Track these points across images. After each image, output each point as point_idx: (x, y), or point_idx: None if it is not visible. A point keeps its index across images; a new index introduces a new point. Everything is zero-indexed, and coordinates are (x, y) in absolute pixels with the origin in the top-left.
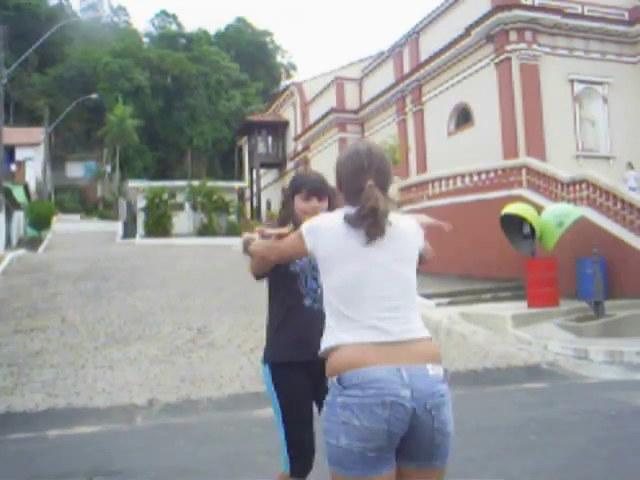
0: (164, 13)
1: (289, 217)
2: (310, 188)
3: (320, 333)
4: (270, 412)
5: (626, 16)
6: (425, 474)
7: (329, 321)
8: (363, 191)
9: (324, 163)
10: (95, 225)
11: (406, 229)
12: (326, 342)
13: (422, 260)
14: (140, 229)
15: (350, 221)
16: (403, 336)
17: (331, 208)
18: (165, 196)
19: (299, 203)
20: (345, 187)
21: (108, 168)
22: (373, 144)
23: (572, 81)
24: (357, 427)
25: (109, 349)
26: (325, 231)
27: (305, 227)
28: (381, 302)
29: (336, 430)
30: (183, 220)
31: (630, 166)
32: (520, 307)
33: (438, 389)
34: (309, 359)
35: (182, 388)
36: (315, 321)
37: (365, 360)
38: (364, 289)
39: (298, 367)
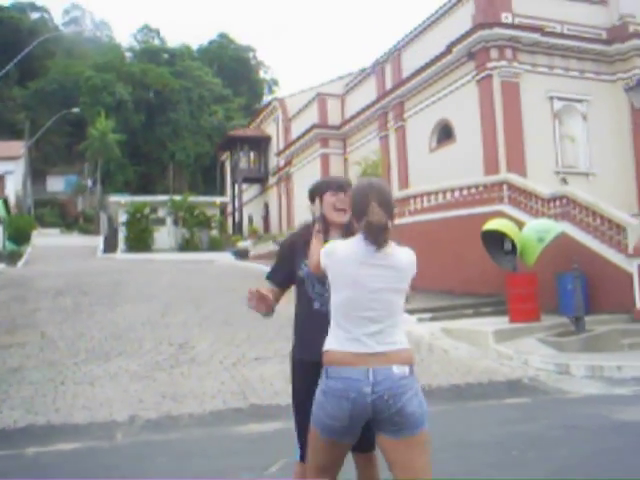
0: (147, 28)
1: (321, 221)
2: (337, 185)
3: (326, 335)
4: (252, 428)
5: (604, 35)
6: (396, 442)
7: (332, 325)
8: (369, 212)
9: (306, 178)
10: (75, 240)
11: (401, 261)
12: (327, 343)
13: None
14: (121, 244)
15: (364, 237)
16: (380, 348)
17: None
18: (146, 211)
19: (329, 198)
20: (355, 211)
21: (89, 182)
22: (373, 178)
23: (552, 98)
24: (328, 410)
25: (89, 365)
26: (335, 257)
27: (324, 250)
28: (369, 321)
29: (318, 405)
30: (164, 235)
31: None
32: (501, 322)
33: (398, 383)
34: (314, 359)
35: (163, 404)
36: (323, 323)
37: (344, 361)
38: (357, 310)
39: (308, 365)
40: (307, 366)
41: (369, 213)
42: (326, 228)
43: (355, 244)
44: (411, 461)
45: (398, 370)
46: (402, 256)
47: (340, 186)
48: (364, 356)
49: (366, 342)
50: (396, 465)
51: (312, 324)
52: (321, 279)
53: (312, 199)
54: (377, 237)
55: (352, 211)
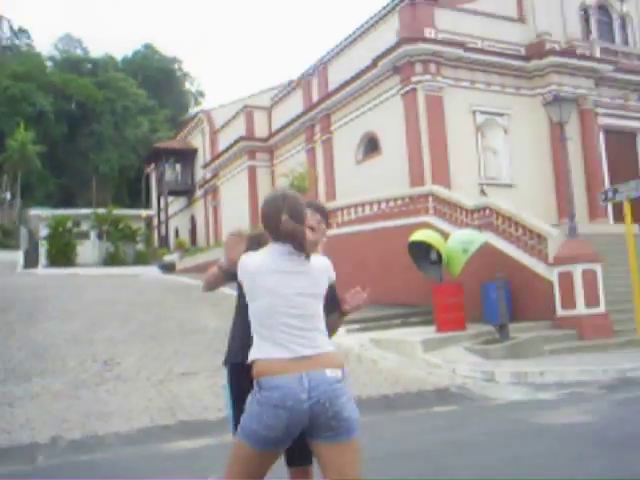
0: (68, 37)
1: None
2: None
3: None
4: (181, 444)
5: (523, 52)
6: (332, 447)
7: (254, 337)
8: (280, 224)
9: (233, 191)
10: None
11: (314, 266)
12: (251, 355)
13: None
14: (43, 259)
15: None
16: (306, 352)
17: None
18: (69, 224)
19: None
20: (267, 225)
21: (8, 195)
22: (287, 190)
23: (474, 112)
24: (264, 420)
25: (9, 385)
26: (248, 269)
27: (239, 263)
28: (289, 327)
29: (250, 417)
30: (88, 249)
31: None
32: (429, 332)
33: (333, 387)
34: None
35: (88, 424)
36: None
37: (275, 370)
38: (274, 317)
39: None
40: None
41: (285, 227)
42: None
43: (268, 254)
44: (345, 466)
45: (331, 374)
46: (315, 262)
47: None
48: (293, 362)
49: (290, 347)
50: (330, 470)
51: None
52: None
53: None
54: (297, 243)
55: (263, 222)
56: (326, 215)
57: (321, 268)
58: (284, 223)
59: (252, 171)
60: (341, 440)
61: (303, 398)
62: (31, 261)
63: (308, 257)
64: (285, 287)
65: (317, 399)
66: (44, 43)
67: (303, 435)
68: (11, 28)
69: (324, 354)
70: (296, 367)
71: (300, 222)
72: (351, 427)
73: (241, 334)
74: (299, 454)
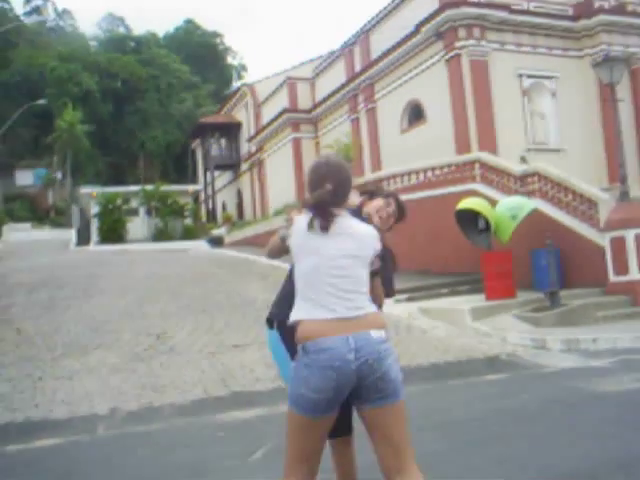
0: (111, 16)
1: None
2: (398, 201)
3: None
4: (234, 415)
5: (570, 12)
6: (380, 410)
7: (296, 299)
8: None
9: (279, 163)
10: (47, 233)
11: (360, 232)
12: (293, 316)
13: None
14: (94, 236)
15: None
16: (349, 313)
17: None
18: (119, 201)
19: (378, 202)
20: (310, 192)
21: (59, 175)
22: (333, 156)
23: (521, 76)
24: (313, 383)
25: (67, 359)
26: (295, 232)
27: (294, 224)
28: (333, 288)
29: (299, 382)
30: (138, 225)
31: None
32: (478, 300)
33: (379, 347)
34: None
35: (144, 395)
36: None
37: (321, 332)
38: (318, 277)
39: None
40: None
41: (318, 194)
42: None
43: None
44: (393, 428)
45: (376, 334)
46: (361, 227)
47: (400, 204)
48: (337, 322)
49: (332, 308)
50: (377, 433)
51: None
52: None
53: (365, 194)
54: (324, 220)
55: (308, 189)
56: (404, 214)
57: (367, 233)
58: (321, 193)
59: (297, 143)
60: (389, 402)
61: (350, 358)
62: (83, 238)
63: (325, 230)
64: (330, 248)
65: (365, 359)
66: (88, 23)
67: (342, 407)
68: (55, 10)
69: (367, 315)
70: (341, 328)
71: (344, 189)
72: (398, 389)
73: (287, 294)
74: (339, 425)
